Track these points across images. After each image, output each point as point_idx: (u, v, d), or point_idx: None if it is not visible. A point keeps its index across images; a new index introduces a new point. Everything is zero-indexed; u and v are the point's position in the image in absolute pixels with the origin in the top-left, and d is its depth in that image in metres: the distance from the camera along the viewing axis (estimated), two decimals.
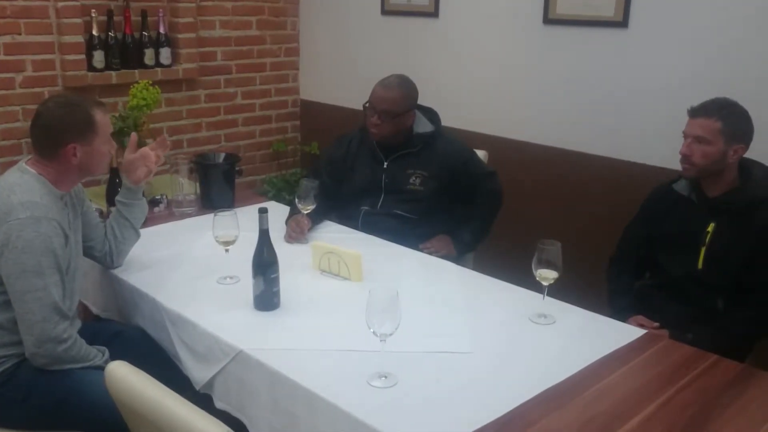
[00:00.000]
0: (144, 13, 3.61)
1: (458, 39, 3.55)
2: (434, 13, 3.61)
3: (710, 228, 2.20)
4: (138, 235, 2.24)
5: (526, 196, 3.25)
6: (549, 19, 3.17)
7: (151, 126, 3.15)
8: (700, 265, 2.21)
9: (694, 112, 2.18)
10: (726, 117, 2.12)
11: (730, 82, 2.59)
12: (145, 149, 2.19)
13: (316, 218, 2.57)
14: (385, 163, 2.68)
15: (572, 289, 2.10)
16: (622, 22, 2.93)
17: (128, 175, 2.18)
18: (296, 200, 2.47)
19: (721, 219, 2.19)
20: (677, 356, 1.78)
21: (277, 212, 2.59)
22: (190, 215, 2.73)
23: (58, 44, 3.37)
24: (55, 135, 1.90)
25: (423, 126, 2.69)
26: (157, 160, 2.20)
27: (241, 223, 2.09)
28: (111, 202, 2.53)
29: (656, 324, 2.17)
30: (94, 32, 3.45)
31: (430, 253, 2.49)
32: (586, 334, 1.89)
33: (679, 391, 1.62)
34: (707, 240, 2.20)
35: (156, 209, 2.71)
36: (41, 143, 1.93)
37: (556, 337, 1.87)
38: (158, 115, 3.68)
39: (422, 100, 2.71)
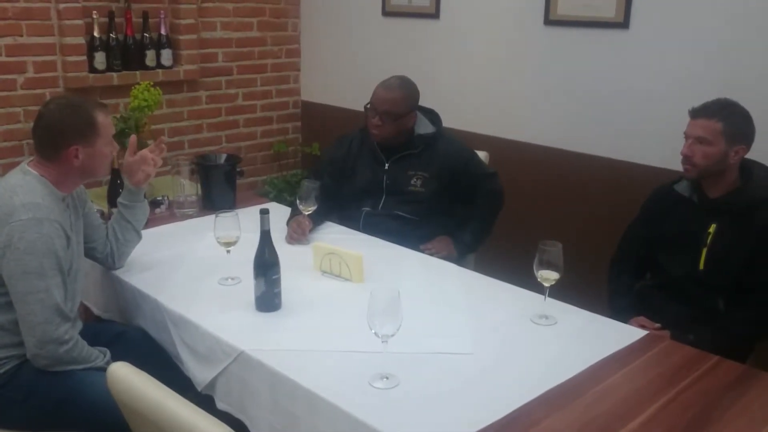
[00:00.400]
0: (145, 15, 3.62)
1: (459, 40, 3.55)
2: (435, 14, 3.61)
3: (711, 229, 2.20)
4: (139, 237, 2.25)
5: (527, 197, 3.25)
6: (550, 20, 3.17)
7: (153, 127, 3.15)
8: (701, 265, 2.21)
9: (695, 113, 2.18)
10: (727, 118, 2.12)
11: (731, 82, 2.60)
12: (145, 152, 2.19)
13: (317, 219, 2.57)
14: (387, 165, 2.68)
15: (573, 289, 2.10)
16: (623, 23, 2.93)
17: (128, 178, 2.19)
18: (297, 201, 2.48)
19: (722, 220, 2.19)
20: (678, 357, 1.78)
21: (278, 213, 2.59)
22: (191, 216, 2.73)
23: (60, 46, 3.37)
24: (56, 137, 1.90)
25: (424, 127, 2.69)
26: (154, 164, 2.20)
27: (242, 224, 2.09)
28: (112, 203, 2.54)
29: (657, 325, 2.17)
30: (96, 34, 3.46)
31: (431, 254, 2.49)
32: (588, 335, 1.89)
33: (680, 393, 1.62)
34: (708, 241, 2.20)
35: (157, 210, 2.71)
36: (43, 145, 1.93)
37: (557, 338, 1.87)
38: (159, 117, 3.69)
39: (423, 101, 2.71)
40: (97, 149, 1.95)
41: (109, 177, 2.60)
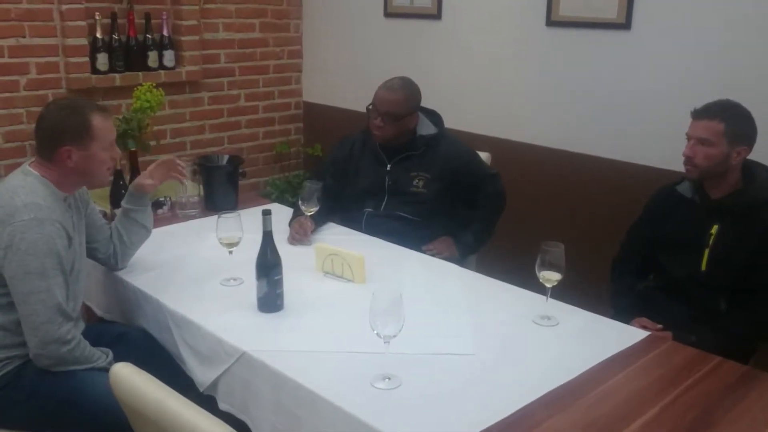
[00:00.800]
0: (147, 16, 3.63)
1: (461, 41, 3.55)
2: (437, 15, 3.62)
3: (713, 230, 2.20)
4: (149, 233, 2.26)
5: (529, 198, 3.25)
6: (551, 21, 3.18)
7: (155, 128, 3.16)
8: (703, 266, 2.21)
9: (697, 114, 2.18)
10: (729, 119, 2.12)
11: (733, 83, 2.59)
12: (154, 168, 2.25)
13: (319, 220, 2.57)
14: (389, 166, 2.69)
15: (575, 290, 2.10)
16: (625, 24, 2.93)
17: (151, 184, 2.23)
18: (299, 202, 2.48)
19: (724, 221, 2.19)
20: (680, 358, 1.78)
21: (281, 214, 2.60)
22: (193, 217, 2.73)
23: (62, 47, 3.38)
24: (51, 137, 1.91)
25: (426, 128, 2.69)
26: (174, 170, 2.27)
27: (244, 225, 2.09)
28: (115, 204, 2.54)
29: (659, 326, 2.17)
30: (98, 35, 3.46)
31: (433, 255, 2.50)
32: (589, 336, 1.88)
33: (682, 394, 1.62)
34: (711, 242, 2.20)
35: (160, 211, 2.72)
36: (41, 145, 1.94)
37: (559, 338, 1.87)
38: (162, 118, 3.69)
39: (425, 102, 2.71)
40: (92, 153, 1.93)
41: (111, 177, 2.61)
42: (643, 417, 1.52)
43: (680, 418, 1.53)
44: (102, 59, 3.48)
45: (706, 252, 2.21)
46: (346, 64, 4.15)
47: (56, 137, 1.90)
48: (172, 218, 2.74)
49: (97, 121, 1.93)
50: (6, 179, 1.97)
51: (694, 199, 2.26)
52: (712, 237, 2.20)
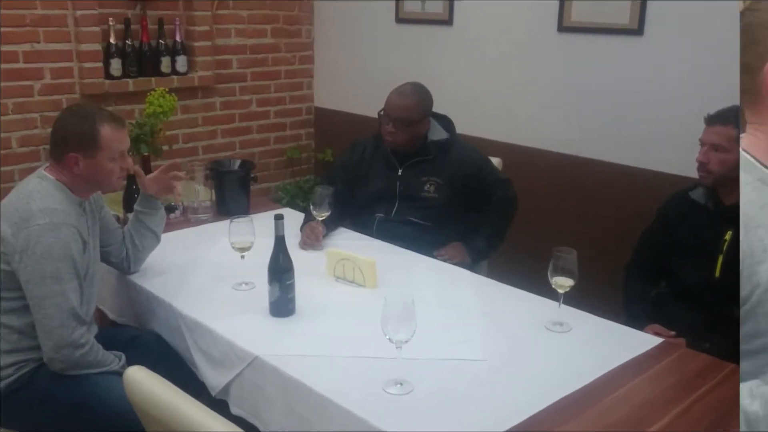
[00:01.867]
0: (161, 22, 3.65)
1: (472, 47, 3.55)
2: (448, 21, 3.62)
3: (727, 236, 2.18)
4: (158, 241, 2.27)
5: (540, 204, 3.24)
6: (563, 27, 3.17)
7: (168, 133, 3.17)
8: (717, 273, 2.20)
9: (711, 120, 2.17)
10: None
11: None
12: (158, 175, 2.25)
13: (330, 225, 2.58)
14: (400, 171, 2.69)
15: (587, 296, 2.09)
16: (637, 30, 2.92)
17: (155, 193, 2.23)
18: (311, 207, 2.48)
19: (738, 227, 2.17)
20: (694, 365, 1.77)
21: (292, 219, 2.60)
22: (205, 221, 2.75)
23: (76, 52, 3.41)
24: (59, 142, 1.93)
25: (437, 133, 2.69)
26: (175, 181, 2.25)
27: (256, 230, 2.10)
28: (128, 208, 2.56)
29: (673, 333, 2.16)
30: (112, 40, 3.49)
31: (445, 260, 2.49)
32: (602, 342, 1.88)
33: (696, 401, 1.61)
34: (724, 248, 2.19)
35: (172, 215, 2.73)
36: (51, 147, 1.96)
37: (571, 345, 1.86)
38: (174, 123, 3.71)
39: (437, 108, 2.71)
40: (98, 162, 1.93)
41: (124, 182, 2.62)
42: (657, 424, 1.51)
43: (694, 425, 1.52)
44: (115, 64, 3.50)
45: (720, 258, 2.19)
46: (357, 70, 4.16)
47: (64, 142, 1.92)
48: (184, 222, 2.75)
49: (106, 131, 1.92)
50: (22, 183, 1.98)
51: (708, 205, 2.25)
52: (726, 243, 2.19)
